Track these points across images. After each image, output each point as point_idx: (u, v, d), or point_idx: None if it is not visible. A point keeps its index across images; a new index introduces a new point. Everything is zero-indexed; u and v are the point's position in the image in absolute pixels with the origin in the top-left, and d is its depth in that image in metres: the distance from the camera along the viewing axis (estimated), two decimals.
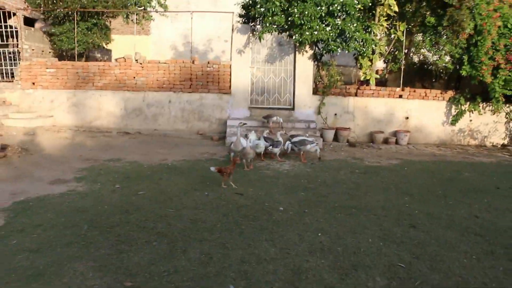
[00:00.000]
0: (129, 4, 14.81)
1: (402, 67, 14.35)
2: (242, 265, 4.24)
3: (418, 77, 16.12)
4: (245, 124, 10.29)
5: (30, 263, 4.17)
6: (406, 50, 15.20)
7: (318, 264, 4.35)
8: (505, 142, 13.64)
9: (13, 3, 17.97)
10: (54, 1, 13.28)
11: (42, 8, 14.00)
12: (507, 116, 13.51)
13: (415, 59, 16.79)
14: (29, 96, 13.37)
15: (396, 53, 14.57)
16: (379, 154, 11.45)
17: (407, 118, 13.50)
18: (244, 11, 13.24)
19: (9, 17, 15.51)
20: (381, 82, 16.01)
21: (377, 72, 18.96)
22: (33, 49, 14.27)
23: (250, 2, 12.44)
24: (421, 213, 6.24)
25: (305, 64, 13.04)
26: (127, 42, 18.39)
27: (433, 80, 16.03)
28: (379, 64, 16.94)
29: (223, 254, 4.49)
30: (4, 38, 14.82)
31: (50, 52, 15.26)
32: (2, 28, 14.36)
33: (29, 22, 16.35)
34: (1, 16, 14.40)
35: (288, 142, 10.15)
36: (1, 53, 14.26)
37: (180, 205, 6.16)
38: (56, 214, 5.65)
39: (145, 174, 8.17)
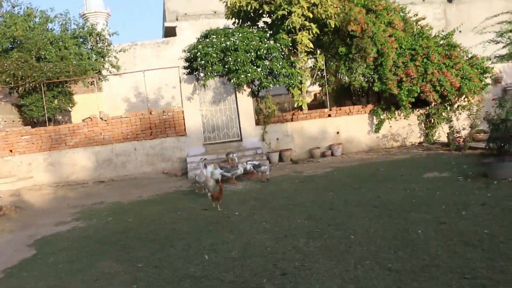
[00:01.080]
0: (86, 70, 16.86)
1: (327, 90, 17.01)
2: (212, 246, 6.39)
3: (348, 95, 18.78)
4: (206, 159, 12.55)
5: (70, 267, 6.17)
6: (335, 73, 17.83)
7: (262, 238, 6.54)
8: (421, 140, 16.32)
9: None
10: (22, 77, 15.18)
11: (11, 84, 15.81)
12: (418, 118, 16.24)
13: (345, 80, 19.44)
14: (8, 162, 15.08)
15: (328, 77, 17.13)
16: (317, 166, 13.80)
17: (338, 132, 16.01)
18: (188, 64, 15.55)
19: None
20: (321, 103, 18.60)
21: (315, 95, 21.66)
22: (5, 121, 16.03)
23: (192, 56, 14.79)
24: (339, 200, 8.56)
25: (245, 101, 15.43)
26: (81, 100, 20.28)
27: (361, 97, 18.69)
28: (316, 88, 19.66)
29: (198, 243, 6.61)
30: None
31: (19, 121, 17.04)
32: None
33: None
34: None
35: (247, 165, 12.29)
36: None
37: (161, 222, 8.25)
38: (71, 242, 7.63)
39: (128, 208, 10.18)
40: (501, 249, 5.12)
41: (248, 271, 5.26)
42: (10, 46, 16.48)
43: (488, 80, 16.34)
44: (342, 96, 18.68)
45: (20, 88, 15.82)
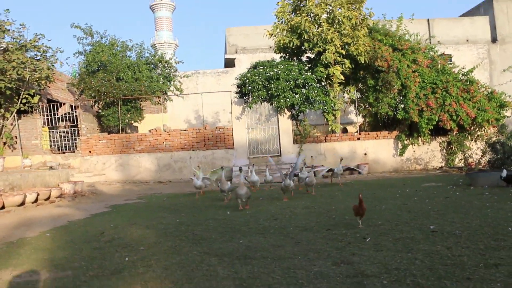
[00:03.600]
0: (154, 91, 20.22)
1: (358, 117, 19.37)
2: (234, 211, 8.98)
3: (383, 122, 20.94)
4: (241, 170, 15.10)
5: (136, 214, 8.95)
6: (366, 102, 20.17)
7: (272, 208, 9.09)
8: (442, 164, 18.26)
9: (63, 95, 23.59)
10: (104, 93, 18.66)
11: (95, 98, 19.33)
12: (440, 145, 18.25)
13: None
14: (87, 161, 18.42)
15: (366, 105, 19.39)
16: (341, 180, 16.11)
17: (365, 154, 18.27)
18: (239, 89, 18.47)
19: (60, 106, 21.01)
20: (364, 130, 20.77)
21: (361, 126, 23.92)
22: (87, 127, 19.51)
23: (242, 83, 17.69)
24: (343, 195, 10.94)
25: (285, 122, 18.08)
26: (149, 120, 23.59)
27: (390, 123, 20.81)
28: (360, 119, 22.00)
29: (225, 210, 9.23)
30: (57, 121, 20.17)
31: (97, 128, 20.53)
32: (58, 115, 19.77)
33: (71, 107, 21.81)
34: (53, 106, 19.86)
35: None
36: (67, 132, 19.58)
37: (202, 202, 11.02)
38: (137, 207, 10.51)
39: (180, 195, 13.00)
40: (429, 214, 7.39)
41: (253, 219, 7.84)
42: (97, 68, 20.20)
43: (508, 113, 18.23)
44: (379, 122, 20.87)
45: (101, 102, 19.31)
